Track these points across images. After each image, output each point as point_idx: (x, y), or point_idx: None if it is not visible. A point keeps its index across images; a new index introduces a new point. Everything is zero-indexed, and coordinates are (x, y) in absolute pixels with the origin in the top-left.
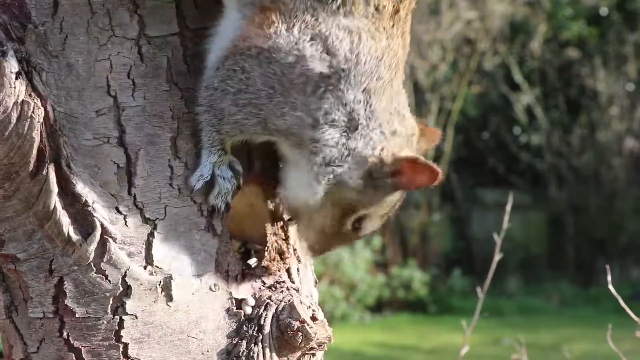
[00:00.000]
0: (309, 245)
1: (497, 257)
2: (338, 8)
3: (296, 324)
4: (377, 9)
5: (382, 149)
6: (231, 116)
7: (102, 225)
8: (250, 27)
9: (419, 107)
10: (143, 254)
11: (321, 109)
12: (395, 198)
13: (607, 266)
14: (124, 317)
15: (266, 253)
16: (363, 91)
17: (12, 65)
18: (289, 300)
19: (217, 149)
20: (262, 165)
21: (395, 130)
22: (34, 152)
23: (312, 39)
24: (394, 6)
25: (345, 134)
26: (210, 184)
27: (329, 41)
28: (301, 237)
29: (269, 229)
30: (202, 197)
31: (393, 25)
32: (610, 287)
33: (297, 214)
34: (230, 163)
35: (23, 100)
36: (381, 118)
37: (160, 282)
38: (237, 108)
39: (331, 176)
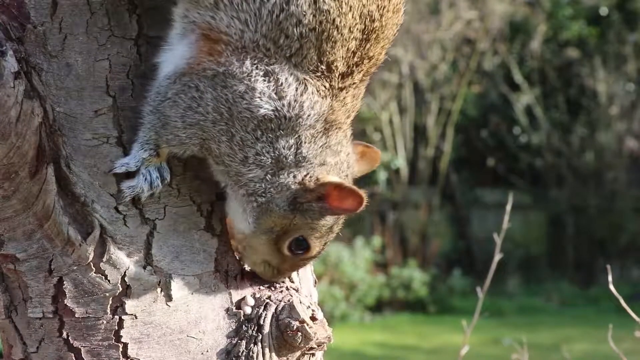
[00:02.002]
0: (259, 272)
1: (497, 257)
2: (290, 57)
3: (296, 323)
4: (328, 67)
5: (305, 175)
6: (175, 129)
7: (101, 225)
8: (201, 54)
9: (419, 107)
10: (142, 253)
11: (254, 149)
12: (329, 221)
13: (608, 266)
14: (123, 317)
15: None
16: (295, 139)
17: (11, 65)
18: (289, 300)
19: (150, 148)
20: None
21: (324, 162)
22: (33, 152)
23: (265, 74)
24: (348, 68)
25: (270, 172)
26: (131, 175)
27: (280, 82)
28: (249, 265)
29: None
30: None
31: (342, 89)
32: (611, 286)
33: (241, 243)
34: (160, 168)
35: (22, 100)
36: (310, 157)
37: (159, 282)
38: (183, 125)
39: (255, 204)
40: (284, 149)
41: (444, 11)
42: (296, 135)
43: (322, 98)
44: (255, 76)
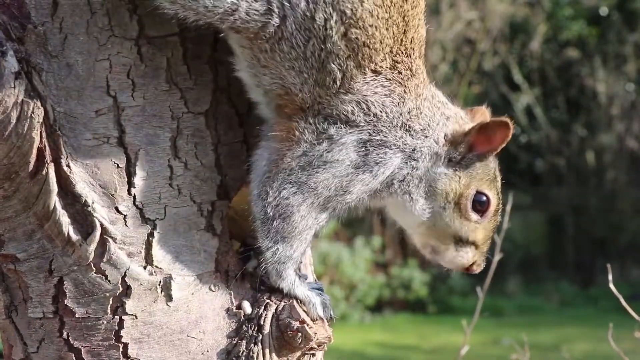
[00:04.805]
0: (462, 264)
1: (497, 257)
2: (340, 87)
3: (296, 324)
4: (376, 71)
5: (445, 135)
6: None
7: (101, 225)
8: (278, 143)
9: None
10: (143, 254)
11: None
12: (491, 165)
13: (608, 265)
14: (123, 317)
15: None
16: (402, 118)
17: (12, 65)
18: (289, 300)
19: (300, 278)
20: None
21: (447, 116)
22: (34, 152)
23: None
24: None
25: (412, 154)
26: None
27: (363, 103)
28: (449, 265)
29: None
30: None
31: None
32: (611, 286)
33: (427, 239)
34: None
35: (23, 100)
36: (434, 118)
37: (160, 282)
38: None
39: (416, 188)
40: (411, 134)
41: (444, 11)
42: (400, 123)
43: (398, 85)
44: (323, 125)
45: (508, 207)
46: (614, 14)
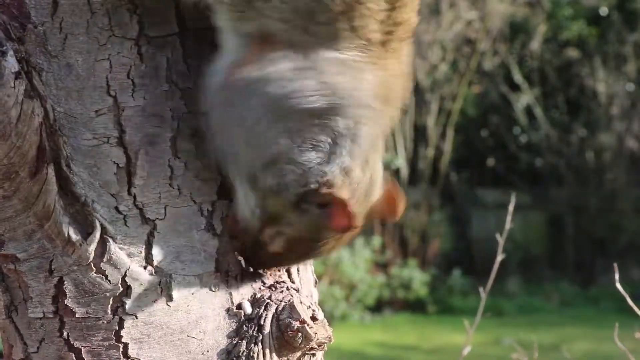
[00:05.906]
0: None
1: (499, 257)
2: (328, 42)
3: (296, 324)
4: (368, 40)
5: (326, 180)
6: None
7: (101, 225)
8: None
9: (419, 107)
10: (143, 254)
11: (311, 136)
12: (316, 237)
13: (615, 265)
14: (124, 317)
15: None
16: (353, 121)
17: (11, 65)
18: (289, 300)
19: None
20: None
21: (350, 170)
22: (34, 152)
23: (303, 69)
24: (382, 37)
25: (323, 159)
26: None
27: (322, 75)
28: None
29: None
30: None
31: (386, 54)
32: (618, 285)
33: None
34: None
35: (23, 100)
36: (358, 152)
37: (160, 282)
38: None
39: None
40: (341, 129)
41: (444, 11)
42: (353, 118)
43: (371, 72)
44: (292, 73)
45: (510, 207)
46: (614, 14)
